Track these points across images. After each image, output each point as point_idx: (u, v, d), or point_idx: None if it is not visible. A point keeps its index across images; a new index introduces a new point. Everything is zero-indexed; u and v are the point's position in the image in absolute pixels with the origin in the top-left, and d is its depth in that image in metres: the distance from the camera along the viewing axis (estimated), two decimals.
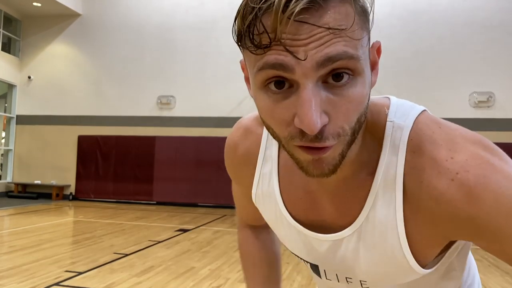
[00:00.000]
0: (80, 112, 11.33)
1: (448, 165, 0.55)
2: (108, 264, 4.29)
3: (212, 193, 10.11)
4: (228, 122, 10.22)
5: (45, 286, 3.50)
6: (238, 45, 0.51)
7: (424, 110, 0.63)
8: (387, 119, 0.61)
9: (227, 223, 7.64)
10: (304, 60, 0.46)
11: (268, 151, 0.73)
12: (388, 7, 9.80)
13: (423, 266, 0.64)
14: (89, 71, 11.44)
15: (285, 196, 0.71)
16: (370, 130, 0.61)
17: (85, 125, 11.23)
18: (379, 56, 0.57)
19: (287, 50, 0.46)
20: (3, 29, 11.32)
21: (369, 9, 0.52)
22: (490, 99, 9.40)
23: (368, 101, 0.54)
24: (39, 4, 11.10)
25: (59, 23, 11.66)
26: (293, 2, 0.45)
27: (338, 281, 0.73)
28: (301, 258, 0.76)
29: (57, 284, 3.57)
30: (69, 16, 11.53)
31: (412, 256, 0.62)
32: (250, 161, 0.75)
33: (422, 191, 0.57)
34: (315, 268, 0.75)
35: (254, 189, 0.75)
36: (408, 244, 0.61)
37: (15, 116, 11.80)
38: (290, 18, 0.45)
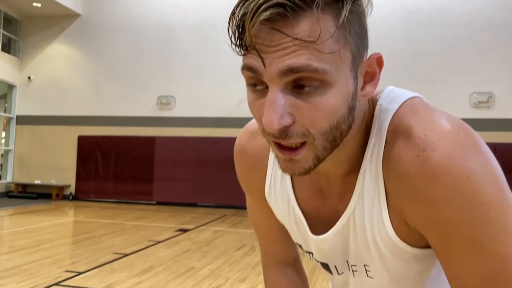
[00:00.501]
0: (80, 112, 11.33)
1: (419, 141, 0.55)
2: (108, 264, 4.29)
3: (212, 193, 10.11)
4: (228, 122, 10.22)
5: (45, 286, 3.50)
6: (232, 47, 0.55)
7: (416, 96, 0.64)
8: (378, 103, 0.63)
9: (227, 223, 7.65)
10: (270, 67, 0.50)
11: None
12: (388, 7, 9.80)
13: (412, 246, 0.63)
14: (89, 71, 11.44)
15: (299, 195, 0.73)
16: (367, 118, 0.63)
17: (85, 125, 11.23)
18: (380, 67, 0.57)
19: (259, 56, 0.50)
20: (3, 29, 11.32)
21: (355, 19, 0.52)
22: (490, 99, 9.40)
23: (351, 111, 0.55)
24: (39, 5, 11.10)
25: (59, 23, 11.66)
26: (262, 10, 0.48)
27: (349, 271, 0.73)
28: (312, 256, 0.77)
29: (57, 284, 3.57)
30: (69, 16, 11.53)
31: (396, 235, 0.61)
32: (260, 164, 0.77)
33: (395, 167, 0.58)
34: (326, 266, 0.76)
35: (267, 191, 0.77)
36: (392, 223, 0.61)
37: (15, 116, 11.80)
38: (263, 25, 0.49)
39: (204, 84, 10.57)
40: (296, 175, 0.57)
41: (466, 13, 9.56)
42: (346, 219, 0.66)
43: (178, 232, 6.44)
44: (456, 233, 0.53)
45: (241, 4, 0.51)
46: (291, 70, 0.49)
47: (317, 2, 0.49)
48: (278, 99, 0.51)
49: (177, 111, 10.78)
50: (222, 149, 10.01)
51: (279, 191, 0.75)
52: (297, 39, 0.48)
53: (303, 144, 0.54)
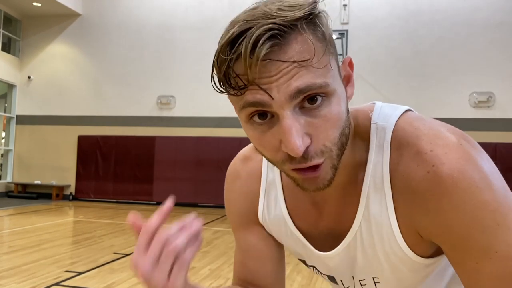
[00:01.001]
0: (80, 112, 11.33)
1: (427, 157, 0.57)
2: (108, 264, 4.29)
3: (212, 193, 10.11)
4: (228, 122, 10.22)
5: (45, 286, 3.49)
6: (221, 91, 0.56)
7: (408, 110, 0.66)
8: (371, 122, 0.65)
9: (227, 223, 7.64)
10: (278, 95, 0.51)
11: (271, 174, 0.76)
12: (388, 7, 9.80)
13: (424, 257, 0.65)
14: (89, 71, 11.44)
15: (294, 215, 0.74)
16: (359, 134, 0.65)
17: (85, 125, 11.23)
18: (352, 69, 0.61)
19: (262, 89, 0.51)
20: (3, 29, 11.32)
21: (328, 31, 0.55)
22: (490, 99, 9.40)
23: (348, 114, 0.58)
24: (39, 4, 11.10)
25: (59, 23, 11.65)
26: (258, 47, 0.49)
27: (355, 286, 0.75)
28: (318, 271, 0.79)
29: (57, 284, 3.57)
30: (69, 16, 11.53)
31: (408, 247, 0.63)
32: (253, 187, 0.78)
33: (405, 183, 0.59)
34: (332, 278, 0.78)
35: (260, 215, 0.78)
36: (403, 237, 0.62)
37: (15, 116, 11.79)
38: (258, 60, 0.50)
39: (204, 84, 10.51)
40: (320, 189, 0.58)
41: (466, 13, 9.56)
42: (352, 237, 0.67)
43: None
44: (470, 242, 0.55)
45: (229, 47, 0.52)
46: (299, 91, 0.51)
47: (300, 23, 0.51)
48: (295, 122, 0.52)
49: (177, 111, 10.78)
50: (222, 149, 10.01)
51: (273, 214, 0.76)
52: (294, 61, 0.50)
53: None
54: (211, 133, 10.40)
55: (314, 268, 0.78)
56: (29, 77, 11.76)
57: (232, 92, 0.54)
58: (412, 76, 9.63)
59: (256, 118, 0.55)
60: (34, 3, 11.06)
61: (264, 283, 0.81)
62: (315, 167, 0.55)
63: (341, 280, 0.75)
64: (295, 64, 0.51)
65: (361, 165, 0.64)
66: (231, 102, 0.58)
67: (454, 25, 9.59)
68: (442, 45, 9.61)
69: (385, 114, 0.65)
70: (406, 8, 9.82)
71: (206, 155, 10.25)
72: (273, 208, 0.76)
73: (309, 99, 0.52)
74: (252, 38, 0.49)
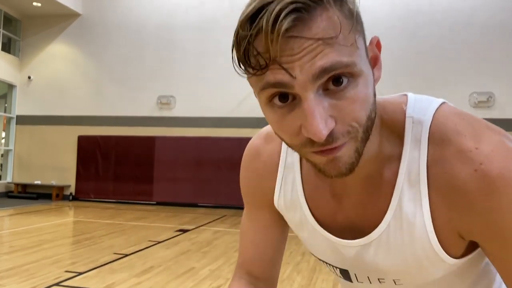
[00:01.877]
0: (80, 112, 11.33)
1: (473, 155, 0.55)
2: (108, 264, 4.29)
3: (212, 193, 10.11)
4: (228, 122, 10.22)
5: (45, 286, 3.49)
6: (242, 71, 0.52)
7: (444, 102, 0.63)
8: (406, 115, 0.62)
9: (227, 223, 7.64)
10: (300, 75, 0.48)
11: (290, 158, 0.73)
12: (388, 7, 9.81)
13: (455, 257, 0.63)
14: (89, 71, 11.44)
15: (311, 202, 0.71)
16: (389, 127, 0.62)
17: (85, 125, 11.23)
18: (379, 50, 0.58)
19: (283, 68, 0.48)
20: (3, 29, 11.31)
21: (356, 8, 0.52)
22: (490, 99, 9.40)
23: (375, 97, 0.55)
24: (39, 4, 11.10)
25: (59, 23, 11.65)
26: (279, 21, 0.46)
27: (370, 283, 0.72)
28: (328, 264, 0.75)
29: (57, 284, 3.57)
30: (69, 16, 11.53)
31: (441, 248, 0.61)
32: (271, 169, 0.75)
33: (446, 181, 0.57)
34: (345, 273, 0.74)
35: (276, 198, 0.75)
36: (437, 236, 0.60)
37: (15, 116, 11.79)
38: (279, 36, 0.46)
39: (204, 84, 10.57)
40: (343, 175, 0.54)
41: (466, 13, 9.56)
42: (378, 235, 0.64)
43: (178, 233, 6.44)
44: None
45: (249, 22, 0.48)
46: (324, 71, 0.48)
47: None
48: (318, 105, 0.49)
49: (177, 111, 10.78)
50: (222, 149, 10.01)
51: (289, 197, 0.73)
52: (319, 39, 0.47)
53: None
54: (211, 133, 10.39)
55: (326, 264, 0.75)
56: (29, 77, 11.76)
57: (252, 72, 0.50)
58: (412, 76, 9.63)
59: (276, 101, 0.51)
60: (34, 3, 11.06)
61: (264, 264, 0.81)
62: (337, 147, 0.52)
63: (355, 274, 0.72)
64: (320, 42, 0.47)
65: (392, 160, 0.61)
66: (250, 84, 0.54)
67: (454, 25, 9.59)
68: (442, 45, 9.62)
69: (421, 107, 0.62)
70: (406, 8, 9.83)
71: (206, 155, 10.25)
72: (290, 191, 0.73)
73: (334, 81, 0.49)
74: (274, 12, 0.46)
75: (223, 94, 10.25)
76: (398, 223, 0.62)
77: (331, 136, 0.50)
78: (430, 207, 0.59)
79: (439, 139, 0.58)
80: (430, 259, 0.62)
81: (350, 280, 0.74)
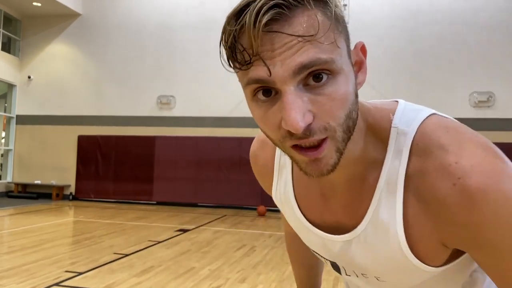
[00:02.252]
0: (80, 112, 11.33)
1: (452, 169, 0.55)
2: (108, 264, 4.29)
3: (212, 193, 10.11)
4: (228, 122, 10.22)
5: (45, 286, 3.49)
6: (230, 66, 0.55)
7: (433, 114, 0.63)
8: (392, 125, 0.63)
9: (227, 223, 7.64)
10: (281, 70, 0.50)
11: (283, 159, 0.77)
12: (388, 7, 9.80)
13: (435, 266, 0.64)
14: (89, 71, 11.44)
15: (301, 200, 0.75)
16: (375, 133, 0.63)
17: (85, 125, 11.23)
18: (365, 55, 0.59)
19: (265, 64, 0.50)
20: (3, 29, 11.32)
21: (339, 11, 0.54)
22: (490, 99, 9.40)
23: (357, 98, 0.56)
24: (39, 4, 11.10)
25: (59, 23, 11.66)
26: (261, 15, 0.49)
27: (357, 277, 0.74)
28: (321, 256, 0.79)
29: (57, 284, 3.57)
30: (69, 16, 11.53)
31: (414, 257, 0.62)
32: (268, 170, 0.81)
33: (425, 194, 0.58)
34: (335, 265, 0.77)
35: (273, 196, 0.81)
36: (409, 245, 0.61)
37: (15, 116, 11.80)
38: (260, 31, 0.49)
39: (204, 84, 10.57)
40: (324, 175, 0.56)
41: (466, 13, 9.56)
42: (355, 237, 0.67)
43: (178, 232, 6.44)
44: (505, 251, 0.55)
45: (234, 18, 0.51)
46: (303, 67, 0.50)
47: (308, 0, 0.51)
48: (297, 98, 0.51)
49: (177, 111, 10.78)
50: (222, 149, 10.02)
51: (283, 195, 0.77)
52: (299, 36, 0.49)
53: (323, 140, 0.54)
54: (211, 133, 10.40)
55: (319, 255, 0.79)
56: (29, 77, 11.76)
57: (238, 67, 0.53)
58: (412, 76, 9.63)
59: (260, 95, 0.54)
60: (34, 3, 11.06)
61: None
62: (317, 147, 0.53)
63: (343, 267, 0.75)
64: (300, 39, 0.49)
65: (375, 166, 0.63)
66: (239, 79, 0.57)
67: (454, 25, 9.60)
68: (442, 45, 9.62)
69: (408, 118, 0.63)
70: (406, 8, 9.83)
71: (206, 155, 10.25)
72: (283, 190, 0.77)
73: (314, 77, 0.51)
74: (257, 7, 0.49)
75: (223, 94, 10.25)
76: (374, 228, 0.64)
77: (308, 130, 0.52)
78: (404, 217, 0.61)
79: (421, 151, 0.59)
80: (404, 265, 0.64)
81: (340, 273, 0.78)
